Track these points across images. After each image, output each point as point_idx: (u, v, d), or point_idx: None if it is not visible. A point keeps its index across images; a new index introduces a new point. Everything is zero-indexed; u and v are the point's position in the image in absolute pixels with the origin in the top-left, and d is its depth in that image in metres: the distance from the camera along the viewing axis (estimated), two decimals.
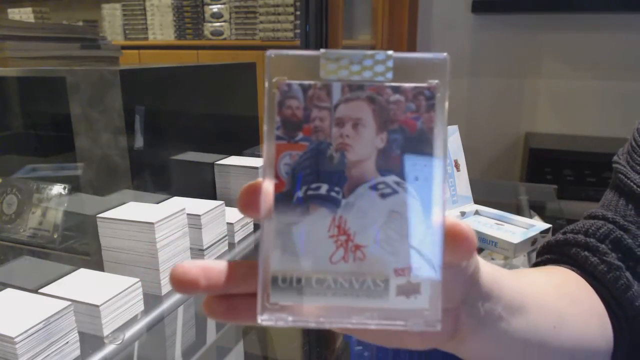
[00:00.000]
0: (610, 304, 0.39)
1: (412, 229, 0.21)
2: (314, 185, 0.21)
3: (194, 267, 0.23)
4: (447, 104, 0.21)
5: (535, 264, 0.47)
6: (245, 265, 0.24)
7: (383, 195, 0.21)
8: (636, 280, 0.40)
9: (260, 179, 0.22)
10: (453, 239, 0.22)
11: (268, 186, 0.21)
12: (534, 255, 0.62)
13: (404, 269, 0.21)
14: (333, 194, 0.21)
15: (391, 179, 0.21)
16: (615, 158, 0.47)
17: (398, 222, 0.21)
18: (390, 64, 0.21)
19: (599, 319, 0.38)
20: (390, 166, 0.21)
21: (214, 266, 0.23)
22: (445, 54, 0.21)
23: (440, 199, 0.21)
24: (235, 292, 0.24)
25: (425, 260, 0.21)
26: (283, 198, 0.21)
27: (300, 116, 0.21)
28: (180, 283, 0.22)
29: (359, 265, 0.21)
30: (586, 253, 0.41)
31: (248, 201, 0.22)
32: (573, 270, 0.42)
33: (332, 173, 0.21)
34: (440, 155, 0.21)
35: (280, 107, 0.21)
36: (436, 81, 0.21)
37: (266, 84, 0.21)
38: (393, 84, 0.21)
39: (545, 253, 0.46)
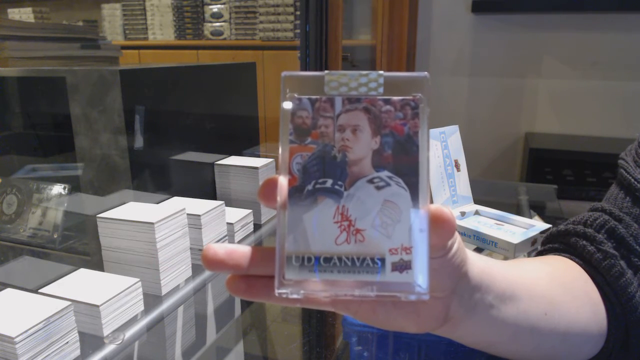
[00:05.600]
0: (605, 290, 0.41)
1: (402, 215, 0.25)
2: (320, 180, 0.25)
3: (222, 249, 0.27)
4: (428, 112, 0.26)
5: (539, 253, 0.49)
6: (265, 250, 0.27)
7: (378, 188, 0.25)
8: (629, 269, 0.41)
9: (277, 175, 0.26)
10: (436, 222, 0.25)
11: (283, 181, 0.25)
12: (534, 255, 0.62)
13: (397, 248, 0.25)
14: (337, 187, 0.25)
15: (384, 174, 0.25)
16: (622, 155, 0.49)
17: (391, 209, 0.25)
18: (381, 81, 0.26)
19: (592, 306, 0.40)
20: (383, 163, 0.25)
21: (239, 249, 0.27)
22: (425, 73, 0.26)
23: (425, 189, 0.25)
24: (255, 274, 0.27)
25: (414, 241, 0.25)
26: (295, 191, 0.25)
27: (309, 124, 0.26)
28: (210, 262, 0.27)
29: (360, 246, 0.25)
30: (584, 242, 0.43)
31: (266, 194, 0.26)
32: (572, 259, 0.44)
33: (336, 170, 0.25)
34: (424, 153, 0.25)
35: (293, 116, 0.26)
36: (419, 94, 0.26)
37: (282, 99, 0.26)
38: (384, 97, 0.26)
39: (548, 242, 0.49)
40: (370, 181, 0.25)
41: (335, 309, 0.30)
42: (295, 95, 0.26)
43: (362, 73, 0.26)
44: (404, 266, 0.25)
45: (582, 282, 0.42)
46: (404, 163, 0.25)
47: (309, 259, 0.25)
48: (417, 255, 0.25)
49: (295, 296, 0.25)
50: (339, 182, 0.25)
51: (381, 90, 0.26)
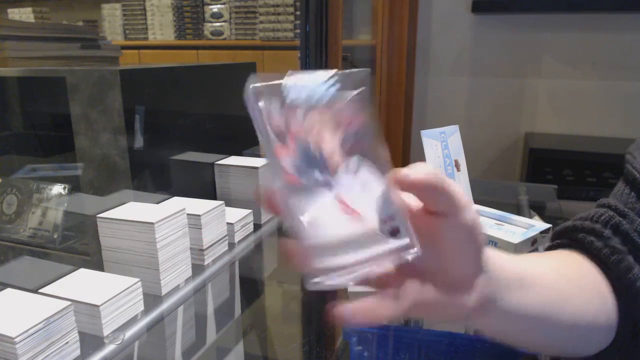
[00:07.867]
0: (614, 284, 0.42)
1: (381, 190, 0.28)
2: (313, 175, 0.28)
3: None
4: (371, 104, 0.29)
5: (547, 249, 0.50)
6: None
7: (355, 172, 0.29)
8: (637, 263, 0.42)
9: (269, 185, 0.28)
10: (399, 185, 0.28)
11: (278, 185, 0.28)
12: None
13: (386, 218, 0.28)
14: (327, 178, 0.28)
15: (355, 160, 0.29)
16: (629, 149, 0.49)
17: (370, 187, 0.28)
18: (335, 78, 0.29)
19: (601, 299, 0.41)
20: (351, 152, 0.29)
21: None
22: (368, 69, 0.29)
23: (385, 165, 0.29)
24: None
25: (394, 208, 0.28)
26: (294, 190, 0.28)
27: (282, 127, 0.28)
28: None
29: (361, 224, 0.28)
30: (592, 238, 0.44)
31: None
32: (581, 254, 0.44)
33: (319, 163, 0.28)
34: (377, 136, 0.29)
35: (268, 122, 0.28)
36: (364, 87, 0.29)
37: (252, 110, 0.29)
38: (338, 93, 0.29)
39: (557, 238, 0.49)
40: (347, 168, 0.28)
41: (407, 315, 0.32)
42: (263, 103, 0.29)
43: (318, 73, 0.29)
44: (396, 232, 0.28)
45: (592, 276, 0.42)
46: (365, 148, 0.29)
47: (328, 249, 0.27)
48: (400, 220, 0.28)
49: (329, 283, 0.27)
50: (326, 174, 0.28)
51: (337, 87, 0.29)
